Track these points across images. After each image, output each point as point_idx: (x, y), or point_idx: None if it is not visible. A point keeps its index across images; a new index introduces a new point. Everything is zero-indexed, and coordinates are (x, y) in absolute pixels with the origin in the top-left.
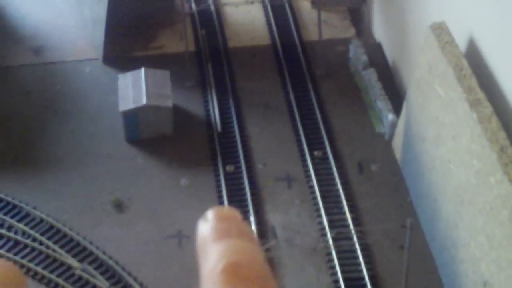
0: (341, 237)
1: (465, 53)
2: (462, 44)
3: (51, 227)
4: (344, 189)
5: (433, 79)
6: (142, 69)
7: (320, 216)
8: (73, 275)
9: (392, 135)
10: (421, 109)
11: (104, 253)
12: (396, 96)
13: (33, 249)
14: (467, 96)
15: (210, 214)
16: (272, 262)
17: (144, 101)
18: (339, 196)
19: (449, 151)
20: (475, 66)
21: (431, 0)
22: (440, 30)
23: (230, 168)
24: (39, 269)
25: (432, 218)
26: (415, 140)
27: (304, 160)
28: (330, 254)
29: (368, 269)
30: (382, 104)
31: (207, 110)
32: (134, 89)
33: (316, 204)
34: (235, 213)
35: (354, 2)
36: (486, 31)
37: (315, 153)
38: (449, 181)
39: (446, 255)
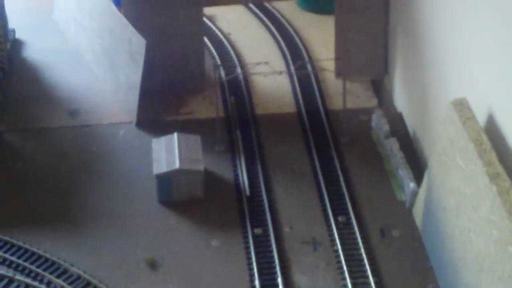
0: None
1: (485, 128)
2: (482, 119)
3: (88, 283)
4: (367, 253)
5: (454, 152)
6: (175, 134)
7: (344, 279)
8: None
9: (413, 203)
10: (442, 180)
11: None
12: (416, 165)
13: None
14: (487, 170)
15: None
16: None
17: (177, 165)
18: (362, 260)
19: (469, 221)
20: (495, 141)
21: (452, 76)
22: (461, 106)
23: (258, 230)
24: None
25: (452, 284)
26: (436, 209)
27: (329, 225)
28: None
29: None
30: (403, 173)
31: (236, 174)
32: (167, 153)
33: (341, 267)
34: None
35: (376, 74)
36: (506, 108)
37: (339, 218)
38: (469, 249)
39: None
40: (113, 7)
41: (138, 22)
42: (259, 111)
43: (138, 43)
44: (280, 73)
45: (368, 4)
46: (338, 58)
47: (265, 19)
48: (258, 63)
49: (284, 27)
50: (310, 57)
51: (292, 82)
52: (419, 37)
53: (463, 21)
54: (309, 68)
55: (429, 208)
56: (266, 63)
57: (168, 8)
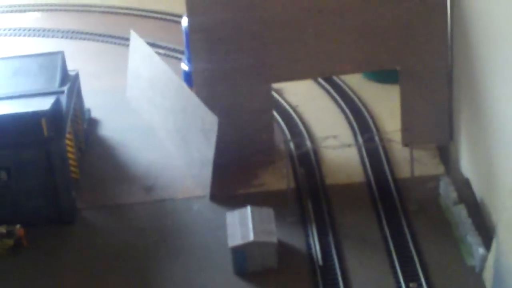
0: None
1: None
2: None
3: None
4: None
5: None
6: (248, 207)
7: None
8: None
9: (482, 267)
10: (511, 247)
11: None
12: (485, 230)
13: None
14: None
15: None
16: None
17: (251, 237)
18: None
19: None
20: None
21: None
22: None
23: None
24: None
25: None
26: (506, 275)
27: None
28: None
29: None
30: (472, 239)
31: (309, 244)
32: (241, 225)
33: None
34: None
35: (442, 140)
36: None
37: (411, 285)
38: None
39: None
40: (185, 86)
41: (209, 100)
42: (328, 181)
43: (210, 121)
44: (349, 146)
45: (432, 74)
46: (405, 129)
47: (331, 90)
48: (327, 137)
49: (350, 98)
50: (377, 128)
51: (360, 153)
52: (483, 105)
53: None
54: (377, 139)
55: (499, 274)
56: (335, 136)
57: (238, 85)
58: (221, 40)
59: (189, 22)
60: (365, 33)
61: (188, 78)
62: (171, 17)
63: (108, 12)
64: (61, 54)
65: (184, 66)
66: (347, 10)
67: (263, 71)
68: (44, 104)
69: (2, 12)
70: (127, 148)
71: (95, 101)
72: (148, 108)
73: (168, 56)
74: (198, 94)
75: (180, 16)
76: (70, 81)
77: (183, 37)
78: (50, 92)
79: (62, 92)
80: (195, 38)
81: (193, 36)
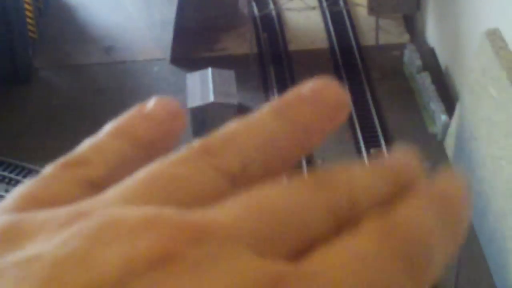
0: None
1: None
2: None
3: None
4: None
5: (486, 81)
6: (209, 69)
7: None
8: None
9: (444, 135)
10: (474, 110)
11: None
12: (448, 98)
13: None
14: None
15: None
16: None
17: (211, 98)
18: None
19: (501, 149)
20: None
21: (485, 8)
22: (494, 36)
23: None
24: None
25: (481, 212)
26: (467, 140)
27: (361, 157)
28: None
29: None
30: (435, 106)
31: None
32: (201, 87)
33: None
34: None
35: (408, 10)
36: None
37: (372, 150)
38: (499, 177)
39: (495, 246)
40: None
41: None
42: (292, 47)
43: None
44: (313, 8)
45: None
46: (379, 5)
47: None
48: None
49: None
50: None
51: (324, 18)
52: None
53: None
54: (342, 3)
55: (460, 139)
56: None
57: None
58: None
59: None
60: None
61: None
62: None
63: None
64: None
65: None
66: None
67: None
68: None
69: None
70: (87, 9)
71: None
72: None
73: None
74: None
75: None
76: None
77: None
78: None
79: None
80: None
81: None
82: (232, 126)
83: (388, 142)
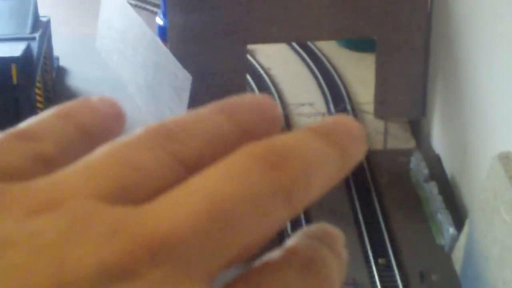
0: None
1: None
2: None
3: None
4: None
5: (498, 205)
6: None
7: None
8: None
9: (452, 248)
10: (485, 230)
11: None
12: (456, 209)
13: None
14: None
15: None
16: None
17: None
18: None
19: None
20: None
21: (496, 127)
22: (507, 160)
23: None
24: None
25: None
26: (477, 258)
27: (369, 267)
28: None
29: None
30: (442, 217)
31: None
32: None
33: None
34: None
35: (415, 114)
36: None
37: (380, 260)
38: None
39: None
40: (159, 41)
41: (183, 57)
42: None
43: (183, 78)
44: (323, 114)
45: (409, 46)
46: (378, 101)
47: (304, 54)
48: (303, 104)
49: (323, 63)
50: (350, 98)
51: None
52: (460, 82)
53: (509, 69)
54: (350, 109)
55: (470, 256)
56: (311, 104)
57: (213, 45)
58: None
59: None
60: (343, 0)
61: (162, 33)
62: None
63: None
64: None
65: (159, 21)
66: None
67: (238, 31)
68: (15, 50)
69: None
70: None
71: (64, 49)
72: (118, 61)
73: (139, 7)
74: (172, 50)
75: None
76: (41, 27)
77: None
78: (21, 37)
79: (34, 38)
80: None
81: None
82: (184, 116)
83: (396, 252)
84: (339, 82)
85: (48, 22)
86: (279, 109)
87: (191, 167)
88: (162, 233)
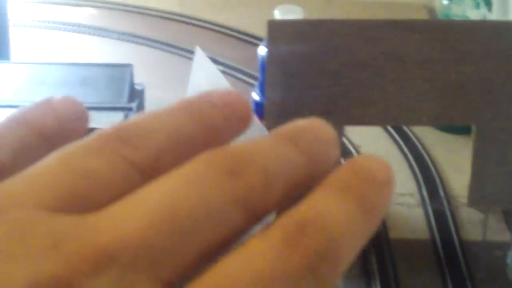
0: None
1: None
2: None
3: None
4: None
5: None
6: None
7: None
8: None
9: None
10: None
11: None
12: None
13: None
14: None
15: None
16: None
17: None
18: None
19: None
20: None
21: None
22: None
23: None
24: None
25: None
26: None
27: None
28: None
29: None
30: None
31: None
32: None
33: None
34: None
35: (509, 204)
36: None
37: None
38: None
39: None
40: (255, 116)
41: None
42: (392, 234)
43: None
44: (418, 205)
45: (507, 133)
46: (473, 190)
47: (394, 133)
48: (403, 194)
49: (414, 144)
50: (441, 182)
51: (425, 208)
52: None
53: None
54: (444, 199)
55: None
56: (412, 195)
57: None
58: (299, 75)
59: (268, 53)
60: (443, 86)
61: (259, 109)
62: (232, 32)
63: (166, 18)
64: (130, 67)
65: (256, 96)
66: (428, 61)
67: (336, 112)
68: (112, 120)
69: (55, 3)
70: None
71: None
72: None
73: (233, 77)
74: (268, 126)
75: (239, 31)
76: (137, 96)
77: (258, 65)
78: (118, 107)
79: (131, 108)
80: (272, 70)
81: (270, 68)
82: (142, 115)
83: None
84: (429, 163)
85: (143, 90)
86: (251, 105)
87: (147, 173)
88: (106, 242)
